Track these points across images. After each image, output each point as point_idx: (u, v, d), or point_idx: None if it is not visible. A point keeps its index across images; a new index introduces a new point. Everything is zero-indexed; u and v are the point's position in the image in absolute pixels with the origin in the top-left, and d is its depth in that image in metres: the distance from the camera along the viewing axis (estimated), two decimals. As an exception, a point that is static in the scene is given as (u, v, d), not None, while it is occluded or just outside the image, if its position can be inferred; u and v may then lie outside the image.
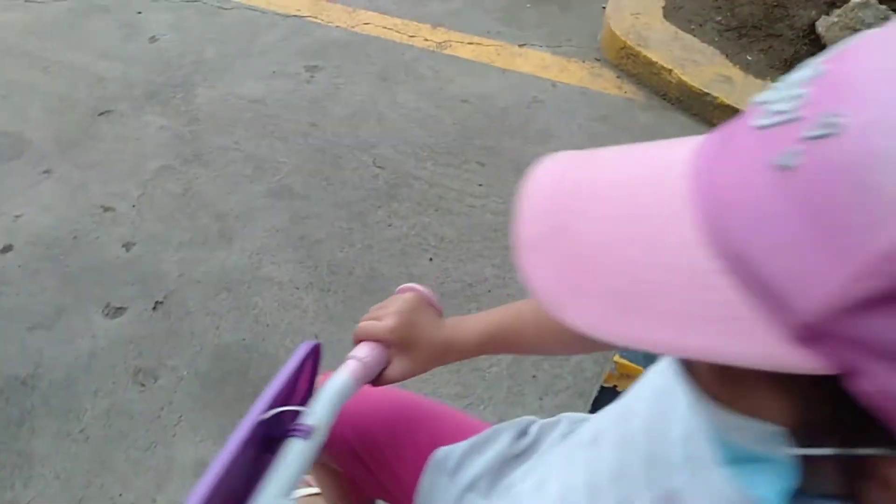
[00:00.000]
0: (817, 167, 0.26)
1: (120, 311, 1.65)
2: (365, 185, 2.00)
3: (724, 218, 0.29)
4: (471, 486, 0.72)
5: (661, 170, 0.33)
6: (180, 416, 1.45)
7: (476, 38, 2.58)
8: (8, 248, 1.81)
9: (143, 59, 2.53)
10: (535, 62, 2.46)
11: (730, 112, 2.03)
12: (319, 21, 2.73)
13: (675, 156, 0.34)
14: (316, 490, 1.05)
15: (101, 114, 2.28)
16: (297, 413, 0.61)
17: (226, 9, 2.81)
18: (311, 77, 2.43)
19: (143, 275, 1.74)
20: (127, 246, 1.82)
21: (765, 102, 0.32)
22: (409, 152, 2.09)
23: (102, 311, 1.65)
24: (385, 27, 2.67)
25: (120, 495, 1.33)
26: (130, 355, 1.56)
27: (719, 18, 2.34)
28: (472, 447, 0.74)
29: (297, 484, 0.60)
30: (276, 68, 2.47)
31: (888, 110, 0.25)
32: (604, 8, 2.63)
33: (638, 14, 2.41)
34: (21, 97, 2.36)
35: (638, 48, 2.26)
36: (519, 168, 2.02)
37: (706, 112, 2.10)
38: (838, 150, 0.26)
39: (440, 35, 2.59)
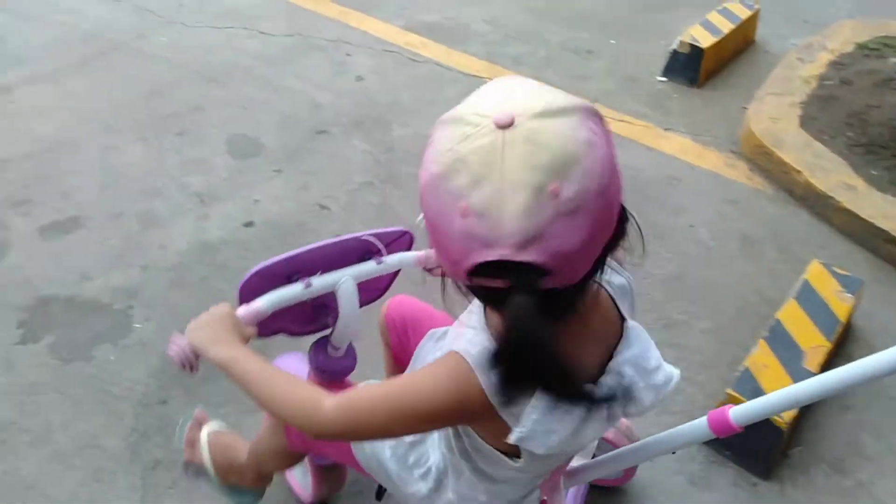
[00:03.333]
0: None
1: (332, 285, 2.14)
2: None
3: None
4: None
5: None
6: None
7: (626, 117, 3.00)
8: (250, 224, 2.36)
9: (351, 94, 3.11)
10: (676, 145, 2.85)
11: (849, 216, 2.34)
12: (494, 83, 3.24)
13: None
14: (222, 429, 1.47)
15: (319, 132, 2.85)
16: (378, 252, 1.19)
17: (418, 62, 3.37)
18: (485, 129, 2.91)
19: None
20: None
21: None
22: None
23: (319, 283, 2.14)
24: (549, 96, 3.14)
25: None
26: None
27: (850, 134, 2.66)
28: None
29: (361, 278, 1.14)
30: (456, 117, 2.98)
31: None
32: (744, 108, 2.99)
33: (776, 119, 2.76)
34: (257, 110, 2.97)
35: (773, 148, 2.61)
36: (655, 232, 2.39)
37: (827, 212, 2.41)
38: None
39: (596, 110, 3.03)
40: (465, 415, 0.85)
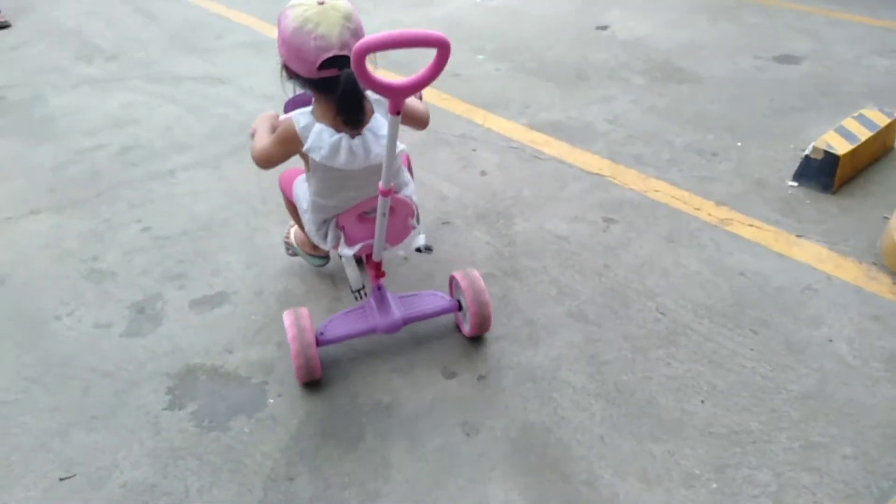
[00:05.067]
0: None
1: (453, 374, 2.18)
2: (648, 325, 2.39)
3: None
4: None
5: None
6: (493, 467, 1.89)
7: (756, 222, 2.93)
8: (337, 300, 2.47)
9: (475, 188, 3.25)
10: (811, 253, 2.74)
11: None
12: (616, 182, 3.28)
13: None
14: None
15: (443, 223, 2.98)
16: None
17: (541, 159, 3.49)
18: (608, 227, 2.94)
19: (472, 353, 2.27)
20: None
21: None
22: (688, 307, 2.46)
23: (442, 372, 2.19)
24: (673, 196, 3.14)
25: (445, 511, 1.77)
26: (459, 410, 2.05)
27: None
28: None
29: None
30: (578, 214, 3.03)
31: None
32: (885, 218, 2.85)
33: (923, 231, 2.61)
34: (389, 199, 3.15)
35: (921, 262, 2.45)
36: (790, 345, 2.28)
37: None
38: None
39: (722, 213, 2.99)
40: (289, 140, 1.78)
